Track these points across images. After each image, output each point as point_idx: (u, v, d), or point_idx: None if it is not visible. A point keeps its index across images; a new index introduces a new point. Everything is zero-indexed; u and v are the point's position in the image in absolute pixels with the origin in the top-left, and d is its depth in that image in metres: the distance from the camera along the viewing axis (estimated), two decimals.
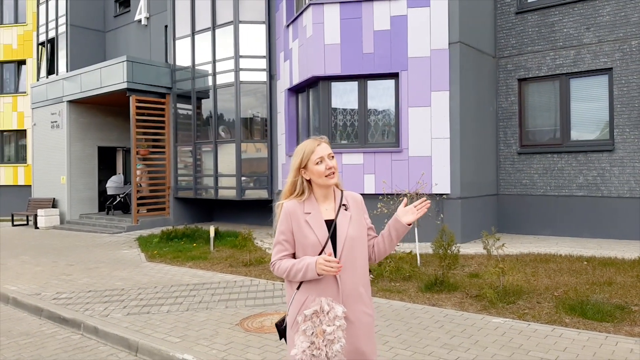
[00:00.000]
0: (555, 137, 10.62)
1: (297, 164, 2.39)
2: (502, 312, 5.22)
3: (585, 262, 7.43)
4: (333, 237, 2.36)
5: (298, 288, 2.36)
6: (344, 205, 2.43)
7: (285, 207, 2.40)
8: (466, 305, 5.52)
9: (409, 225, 2.41)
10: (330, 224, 2.37)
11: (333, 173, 2.36)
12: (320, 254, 2.31)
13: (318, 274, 2.24)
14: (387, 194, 8.51)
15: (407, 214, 2.42)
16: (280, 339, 2.55)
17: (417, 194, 7.95)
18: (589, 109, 10.30)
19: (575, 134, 10.44)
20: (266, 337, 4.71)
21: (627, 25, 9.73)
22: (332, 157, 2.39)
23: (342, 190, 2.48)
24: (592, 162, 10.06)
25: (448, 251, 6.23)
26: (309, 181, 2.41)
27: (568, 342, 4.30)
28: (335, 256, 2.33)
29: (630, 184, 9.65)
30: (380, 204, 7.84)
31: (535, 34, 10.75)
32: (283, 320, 2.53)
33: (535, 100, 10.93)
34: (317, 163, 2.35)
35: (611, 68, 9.91)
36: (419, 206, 2.43)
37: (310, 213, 2.36)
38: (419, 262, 7.57)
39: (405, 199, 2.50)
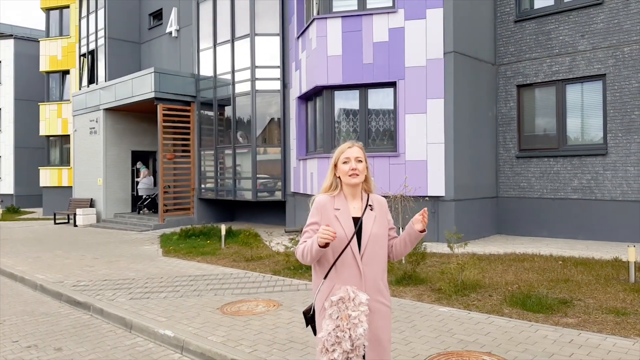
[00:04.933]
0: (551, 142, 10.93)
1: (332, 162, 2.69)
2: (453, 303, 5.80)
3: (560, 262, 7.82)
4: (359, 234, 2.61)
5: (325, 277, 2.61)
6: (369, 205, 2.69)
7: (317, 201, 2.64)
8: (424, 296, 6.12)
9: (421, 232, 2.63)
10: (357, 221, 2.64)
11: (356, 174, 2.61)
12: (345, 247, 2.55)
13: (319, 245, 2.44)
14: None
15: (416, 222, 2.63)
16: (307, 326, 2.74)
17: (402, 196, 8.57)
18: (583, 114, 10.58)
19: (571, 139, 10.74)
20: (237, 319, 5.48)
21: (620, 32, 9.97)
22: (360, 160, 2.63)
23: (368, 193, 2.74)
24: (586, 165, 10.34)
25: (416, 249, 6.82)
26: (340, 178, 2.68)
27: (494, 328, 4.86)
28: (359, 250, 2.59)
29: (622, 188, 9.89)
30: None
31: (533, 41, 11.10)
32: (310, 308, 2.72)
33: (533, 106, 11.27)
34: (344, 162, 2.64)
35: (605, 74, 10.17)
36: (422, 214, 2.63)
37: (339, 209, 2.62)
38: (403, 260, 8.16)
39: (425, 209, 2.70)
